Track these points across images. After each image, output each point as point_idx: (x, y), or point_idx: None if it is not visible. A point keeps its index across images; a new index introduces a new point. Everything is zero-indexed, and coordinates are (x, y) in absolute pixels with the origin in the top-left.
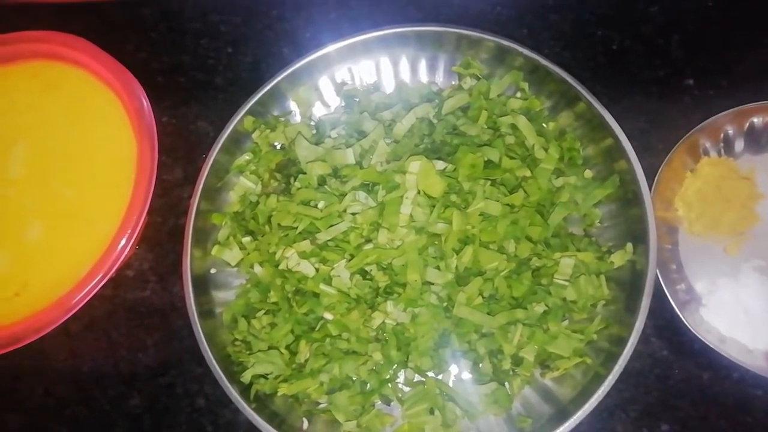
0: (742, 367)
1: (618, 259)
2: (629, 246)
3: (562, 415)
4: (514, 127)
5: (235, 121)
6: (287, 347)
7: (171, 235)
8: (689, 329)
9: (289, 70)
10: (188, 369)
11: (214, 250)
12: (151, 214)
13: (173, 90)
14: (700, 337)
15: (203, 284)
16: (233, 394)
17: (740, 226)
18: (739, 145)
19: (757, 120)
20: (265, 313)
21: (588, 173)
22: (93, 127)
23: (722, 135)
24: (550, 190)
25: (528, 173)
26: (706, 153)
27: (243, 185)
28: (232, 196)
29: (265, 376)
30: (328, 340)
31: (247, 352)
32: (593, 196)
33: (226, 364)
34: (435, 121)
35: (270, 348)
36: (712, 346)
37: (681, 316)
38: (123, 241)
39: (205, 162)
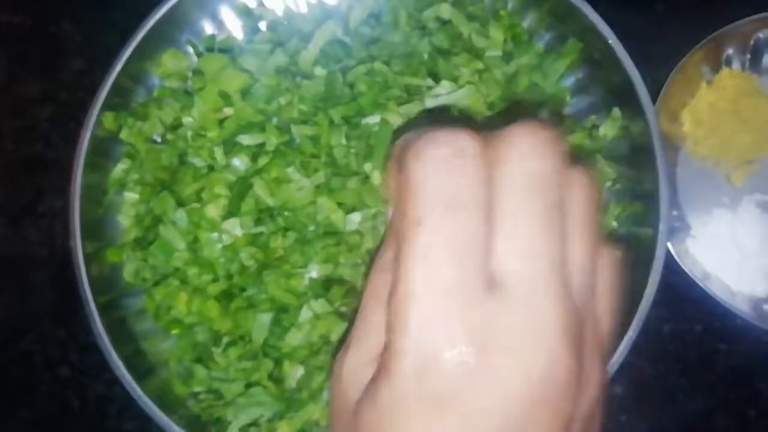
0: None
1: (609, 129)
2: (615, 110)
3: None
4: (440, 21)
5: (91, 124)
6: (269, 377)
7: (26, 166)
8: (674, 260)
9: (139, 37)
10: (48, 331)
11: (146, 303)
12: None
13: None
14: (685, 269)
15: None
16: None
17: (751, 152)
18: None
19: None
20: (229, 345)
21: (538, 48)
22: None
23: (752, 42)
24: (508, 81)
25: (481, 65)
26: (729, 63)
27: (131, 203)
28: (123, 222)
29: (255, 423)
30: (323, 349)
31: (221, 402)
32: (555, 70)
33: (198, 427)
34: (347, 39)
35: (249, 386)
36: (696, 280)
37: (669, 245)
38: None
39: (70, 191)
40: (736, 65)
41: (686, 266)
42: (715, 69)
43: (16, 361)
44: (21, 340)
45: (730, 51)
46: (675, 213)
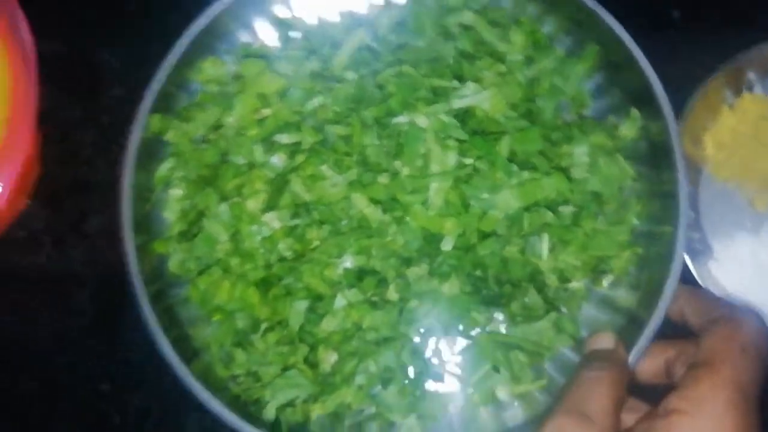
0: None
1: (629, 129)
2: (634, 111)
3: (635, 319)
4: (464, 27)
5: (140, 126)
6: (305, 361)
7: (70, 189)
8: (697, 282)
9: (182, 46)
10: (89, 347)
11: (191, 291)
12: (46, 163)
13: (70, 12)
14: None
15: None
16: None
17: None
18: None
19: None
20: (267, 330)
21: (559, 52)
22: None
23: None
24: (529, 84)
25: (503, 69)
26: (750, 87)
27: (177, 199)
28: (169, 217)
29: (291, 404)
30: (356, 335)
31: (259, 384)
32: (575, 74)
33: (239, 406)
34: (376, 45)
35: (285, 369)
36: None
37: (691, 266)
38: None
39: (120, 188)
40: (757, 89)
41: (708, 288)
42: (737, 93)
43: (58, 377)
44: (63, 355)
45: (751, 75)
46: (697, 236)
